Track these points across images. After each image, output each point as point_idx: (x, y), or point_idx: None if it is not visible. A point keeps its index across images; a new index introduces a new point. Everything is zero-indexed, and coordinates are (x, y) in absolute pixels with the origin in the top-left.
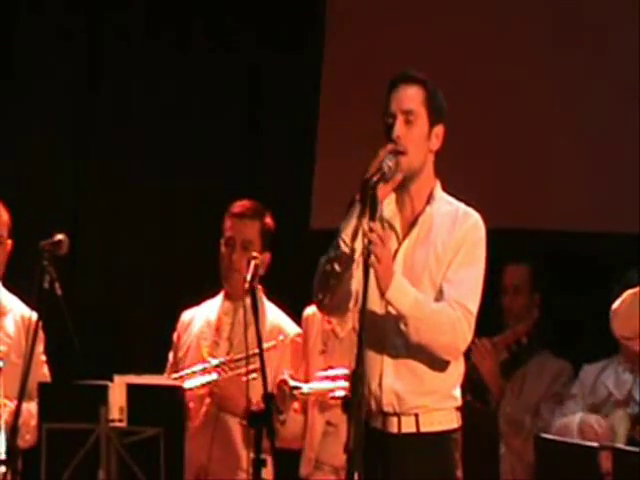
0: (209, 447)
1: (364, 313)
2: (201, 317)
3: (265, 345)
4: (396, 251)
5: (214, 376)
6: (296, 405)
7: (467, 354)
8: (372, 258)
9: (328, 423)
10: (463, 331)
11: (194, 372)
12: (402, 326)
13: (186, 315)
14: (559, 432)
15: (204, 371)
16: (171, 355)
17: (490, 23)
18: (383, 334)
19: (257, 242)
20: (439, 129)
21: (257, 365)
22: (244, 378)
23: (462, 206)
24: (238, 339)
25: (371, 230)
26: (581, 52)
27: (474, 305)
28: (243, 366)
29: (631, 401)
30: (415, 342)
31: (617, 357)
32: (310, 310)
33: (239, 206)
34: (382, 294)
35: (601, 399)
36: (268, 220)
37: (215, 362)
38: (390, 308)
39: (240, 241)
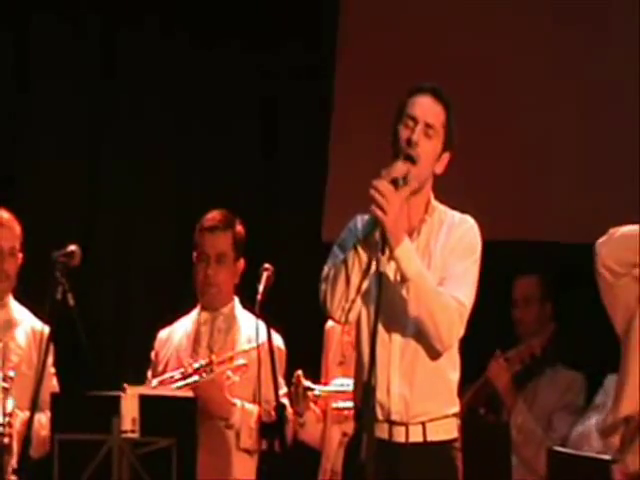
0: None
1: (376, 323)
2: (179, 332)
3: (245, 347)
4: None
5: (195, 377)
6: (317, 410)
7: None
8: (379, 211)
9: (344, 434)
10: (456, 321)
11: (172, 377)
12: (404, 292)
13: (163, 333)
14: (577, 441)
15: (184, 376)
16: (149, 373)
17: (496, 30)
18: (389, 341)
19: (230, 253)
20: (446, 156)
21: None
22: (227, 382)
23: (457, 214)
24: (218, 346)
25: (376, 189)
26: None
27: (468, 302)
28: (223, 368)
29: None
30: (413, 313)
31: None
32: (331, 322)
33: (209, 220)
34: (391, 252)
35: None
36: (239, 229)
37: (196, 365)
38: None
39: (214, 255)
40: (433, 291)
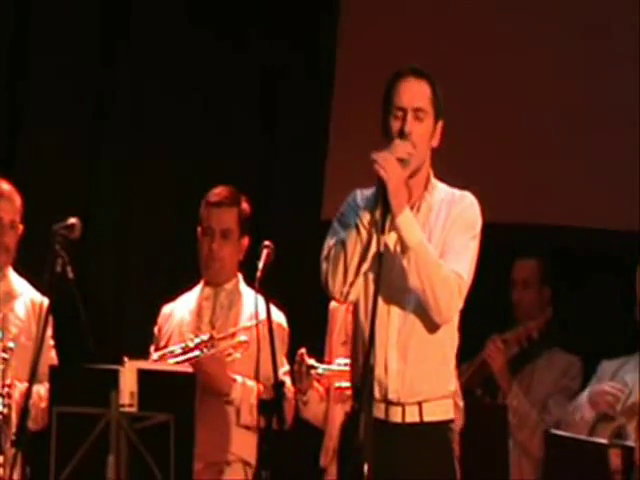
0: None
1: (375, 302)
2: (181, 307)
3: (246, 324)
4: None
5: (196, 352)
6: (320, 389)
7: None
8: (382, 171)
9: (347, 414)
10: (455, 294)
11: (172, 351)
12: (404, 262)
13: (166, 308)
14: (570, 414)
15: (185, 350)
16: (152, 348)
17: (496, 16)
18: (387, 320)
19: (235, 229)
20: (439, 125)
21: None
22: (229, 359)
23: (457, 190)
24: (220, 322)
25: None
26: (583, 45)
27: (467, 275)
28: (225, 345)
29: None
30: (413, 284)
31: (638, 354)
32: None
33: (216, 195)
34: (393, 220)
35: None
36: (245, 206)
37: (197, 340)
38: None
39: (219, 230)
40: (434, 262)
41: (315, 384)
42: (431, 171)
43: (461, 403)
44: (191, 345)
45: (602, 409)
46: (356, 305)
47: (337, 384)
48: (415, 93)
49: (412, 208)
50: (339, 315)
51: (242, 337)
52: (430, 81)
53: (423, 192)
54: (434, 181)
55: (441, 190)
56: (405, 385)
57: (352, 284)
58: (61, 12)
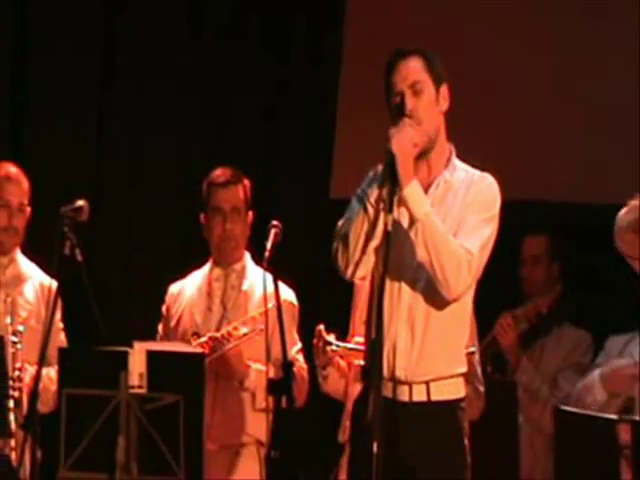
0: (210, 413)
1: (383, 280)
2: (190, 287)
3: (255, 312)
4: None
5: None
6: (343, 363)
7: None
8: (391, 143)
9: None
10: (463, 268)
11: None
12: (412, 234)
13: (174, 287)
14: (580, 394)
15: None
16: (160, 327)
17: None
18: (398, 297)
19: (243, 206)
20: (444, 89)
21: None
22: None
23: (477, 172)
24: (231, 303)
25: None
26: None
27: (479, 255)
28: (239, 334)
29: None
30: (421, 257)
31: None
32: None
33: (221, 175)
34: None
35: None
36: (246, 182)
37: (205, 337)
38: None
39: (230, 208)
40: (442, 235)
41: (337, 359)
42: (454, 150)
43: (482, 388)
44: (209, 342)
45: (617, 390)
46: (371, 284)
47: (357, 362)
48: (405, 72)
49: (431, 185)
50: (363, 291)
51: (244, 330)
52: (420, 54)
53: (443, 170)
54: (455, 161)
55: (462, 171)
56: (413, 364)
57: (359, 262)
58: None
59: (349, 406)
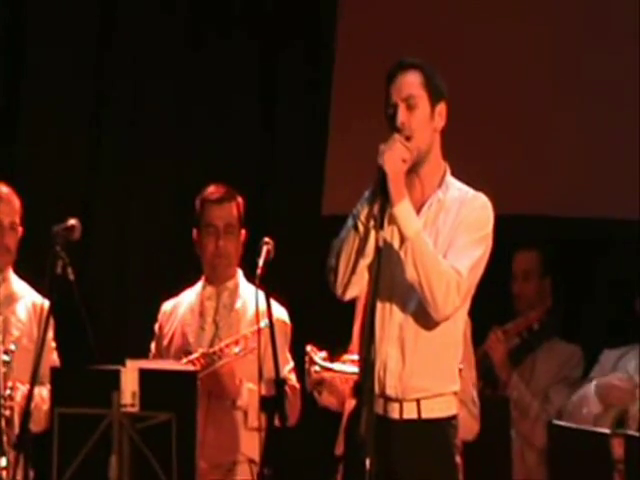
0: (202, 432)
1: (375, 297)
2: (183, 305)
3: (247, 330)
4: None
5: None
6: (336, 381)
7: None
8: (382, 161)
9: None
10: (452, 289)
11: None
12: (402, 254)
13: (167, 305)
14: (575, 406)
15: (195, 361)
16: (153, 346)
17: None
18: (389, 315)
19: (236, 224)
20: (441, 107)
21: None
22: (228, 351)
23: (471, 190)
24: (224, 321)
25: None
26: (584, 35)
27: (469, 276)
28: (229, 350)
29: None
30: (410, 277)
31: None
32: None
33: (214, 192)
34: (392, 208)
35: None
36: (240, 200)
37: (197, 354)
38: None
39: (222, 226)
40: (431, 255)
41: (329, 377)
42: (448, 169)
43: (476, 411)
44: (200, 359)
45: (612, 403)
46: (364, 301)
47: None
48: (402, 84)
49: (423, 204)
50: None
51: (236, 349)
52: (420, 68)
53: (436, 189)
54: (449, 179)
55: (455, 189)
56: (403, 382)
57: (351, 280)
58: (58, 10)
59: (344, 420)
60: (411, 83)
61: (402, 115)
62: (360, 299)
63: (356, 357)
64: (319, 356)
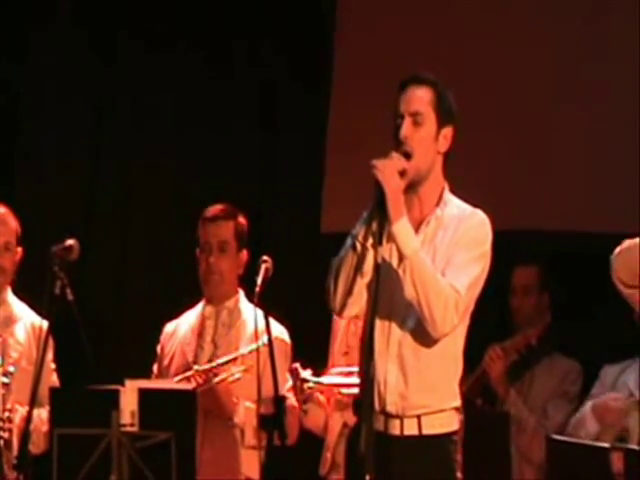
0: (199, 450)
1: (374, 314)
2: (184, 325)
3: (246, 349)
4: None
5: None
6: (322, 398)
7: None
8: (380, 178)
9: (345, 425)
10: (450, 308)
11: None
12: (400, 272)
13: (169, 326)
14: (574, 427)
15: (190, 378)
16: (155, 367)
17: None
18: (388, 333)
19: (233, 242)
20: (448, 131)
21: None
22: (230, 379)
23: (470, 207)
24: (222, 340)
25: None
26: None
27: (467, 294)
28: (228, 369)
29: None
30: (408, 295)
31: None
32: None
33: (211, 210)
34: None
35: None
36: (241, 220)
37: (200, 368)
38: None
39: (216, 243)
40: (429, 273)
41: (317, 394)
42: (446, 186)
43: (460, 416)
44: (195, 376)
45: (608, 422)
46: (364, 319)
47: (338, 390)
48: (412, 98)
49: (422, 222)
50: (341, 325)
51: (237, 372)
52: (433, 86)
53: (434, 207)
54: (448, 197)
55: (454, 206)
56: (404, 398)
57: (349, 299)
58: (59, 25)
59: (329, 439)
60: (420, 99)
61: (406, 129)
62: (336, 319)
63: (343, 369)
64: (307, 373)
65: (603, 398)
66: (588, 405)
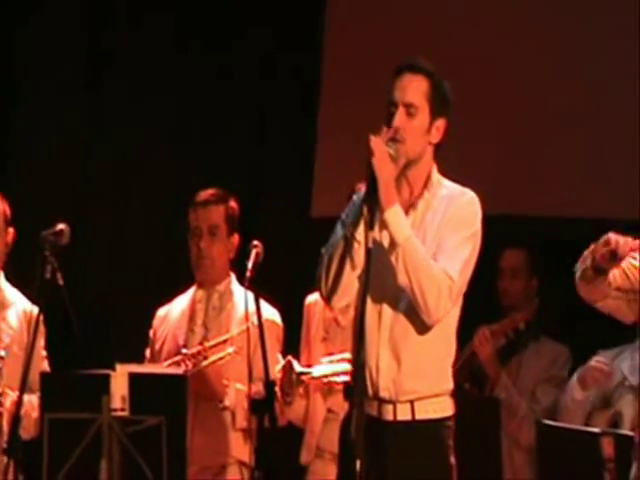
0: (190, 435)
1: (365, 299)
2: (176, 309)
3: (236, 330)
4: None
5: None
6: (301, 390)
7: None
8: (374, 163)
9: (329, 410)
10: (444, 294)
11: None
12: (393, 258)
13: (161, 311)
14: (562, 402)
15: (180, 362)
16: (148, 351)
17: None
18: (380, 319)
19: (223, 226)
20: (441, 122)
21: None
22: (220, 362)
23: (458, 187)
24: (212, 324)
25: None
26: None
27: (460, 278)
28: (217, 351)
29: None
30: (401, 282)
31: (635, 343)
32: (312, 298)
33: (202, 195)
34: (382, 214)
35: (615, 383)
36: (232, 204)
37: (189, 352)
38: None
39: (206, 228)
40: (422, 259)
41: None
42: (434, 167)
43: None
44: (185, 359)
45: (590, 385)
46: (356, 306)
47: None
48: (407, 88)
49: (411, 206)
50: (316, 311)
51: (230, 349)
52: (429, 77)
53: (422, 190)
54: (436, 178)
55: (443, 187)
56: (396, 383)
57: (340, 288)
58: (51, 20)
59: (311, 426)
60: (415, 90)
61: (399, 119)
62: (310, 305)
63: (333, 357)
64: (298, 366)
65: (586, 365)
66: (574, 375)
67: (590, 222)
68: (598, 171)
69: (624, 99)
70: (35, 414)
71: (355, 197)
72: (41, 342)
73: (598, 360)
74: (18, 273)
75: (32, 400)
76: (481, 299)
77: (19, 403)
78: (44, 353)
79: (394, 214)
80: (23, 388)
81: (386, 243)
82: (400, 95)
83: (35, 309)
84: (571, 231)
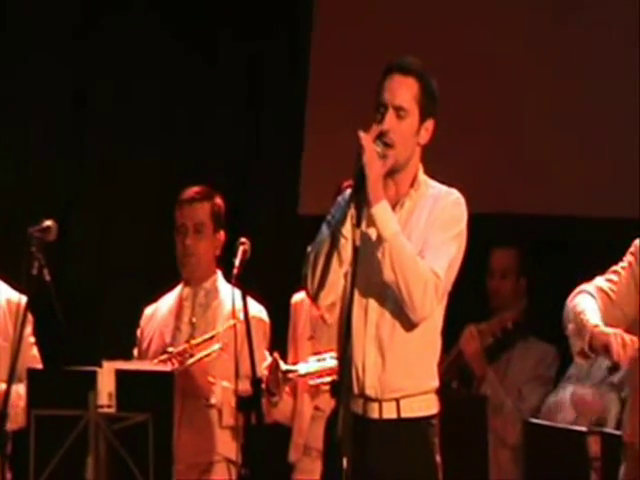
0: (177, 432)
1: (352, 296)
2: (163, 308)
3: (222, 327)
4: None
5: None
6: (287, 388)
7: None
8: (364, 159)
9: (316, 408)
10: (429, 291)
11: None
12: (379, 254)
13: (149, 309)
14: (551, 410)
15: (166, 360)
16: (135, 351)
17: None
18: (365, 316)
19: (209, 223)
20: (429, 123)
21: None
22: (207, 359)
23: (444, 187)
24: (199, 321)
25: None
26: (579, 33)
27: (446, 276)
28: (203, 349)
29: (626, 385)
30: (387, 278)
31: None
32: (298, 296)
33: (187, 192)
34: (369, 209)
35: (597, 381)
36: (218, 201)
37: (175, 350)
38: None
39: (192, 225)
40: (409, 256)
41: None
42: (420, 167)
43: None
44: (171, 357)
45: (585, 415)
46: (341, 302)
47: (311, 382)
48: (397, 90)
49: (397, 205)
50: (303, 310)
51: (216, 346)
52: (419, 78)
53: (409, 189)
54: (422, 178)
55: (429, 187)
56: (382, 381)
57: (326, 286)
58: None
59: (299, 424)
60: (405, 92)
61: (389, 122)
62: (297, 304)
63: (320, 356)
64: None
65: (582, 391)
66: (568, 391)
67: (580, 221)
68: (588, 170)
69: (616, 97)
70: (22, 403)
71: (340, 198)
72: (29, 329)
73: (594, 393)
74: (5, 269)
75: (19, 389)
76: (470, 298)
77: (6, 397)
78: (32, 340)
79: (382, 209)
80: (10, 381)
81: (373, 240)
82: (390, 97)
83: (22, 298)
84: (560, 230)
